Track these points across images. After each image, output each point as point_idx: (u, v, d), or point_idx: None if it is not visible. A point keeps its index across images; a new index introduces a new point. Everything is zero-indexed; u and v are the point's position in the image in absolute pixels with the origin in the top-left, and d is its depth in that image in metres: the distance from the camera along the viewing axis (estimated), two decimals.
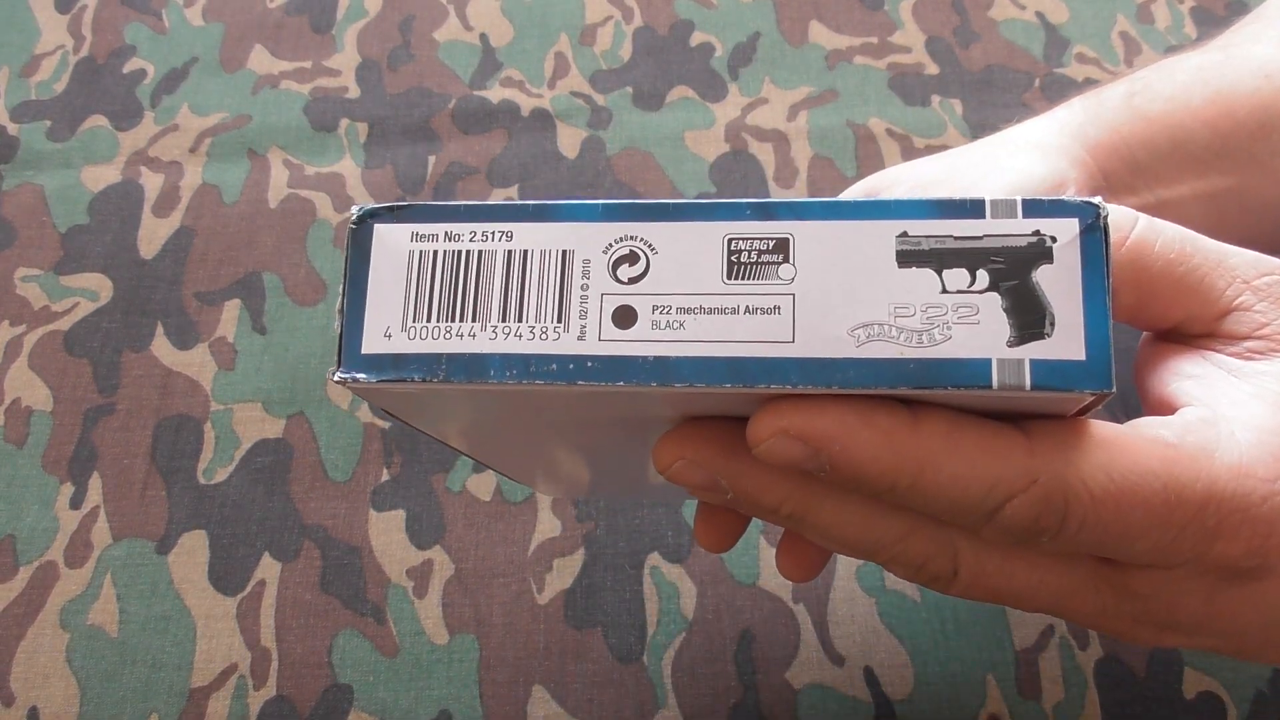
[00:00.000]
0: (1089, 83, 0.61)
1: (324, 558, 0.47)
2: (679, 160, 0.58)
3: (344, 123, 0.60)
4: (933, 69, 0.62)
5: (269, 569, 0.46)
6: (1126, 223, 0.24)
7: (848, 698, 0.43)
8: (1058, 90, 0.61)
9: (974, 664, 0.44)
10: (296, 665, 0.44)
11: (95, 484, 0.49)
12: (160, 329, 0.53)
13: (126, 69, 0.63)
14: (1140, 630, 0.25)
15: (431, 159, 0.59)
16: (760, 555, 0.46)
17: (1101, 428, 0.22)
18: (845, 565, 0.46)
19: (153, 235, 0.56)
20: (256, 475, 0.49)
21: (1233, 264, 0.24)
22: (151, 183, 0.58)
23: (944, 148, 0.59)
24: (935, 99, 0.61)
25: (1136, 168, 0.36)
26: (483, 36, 0.64)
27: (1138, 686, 0.43)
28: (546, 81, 0.62)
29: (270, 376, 0.51)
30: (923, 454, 0.21)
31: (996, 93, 0.61)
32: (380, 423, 0.50)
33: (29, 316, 0.54)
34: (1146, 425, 0.23)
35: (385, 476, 0.49)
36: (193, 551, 0.47)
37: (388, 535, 0.47)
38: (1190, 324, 0.25)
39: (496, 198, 0.57)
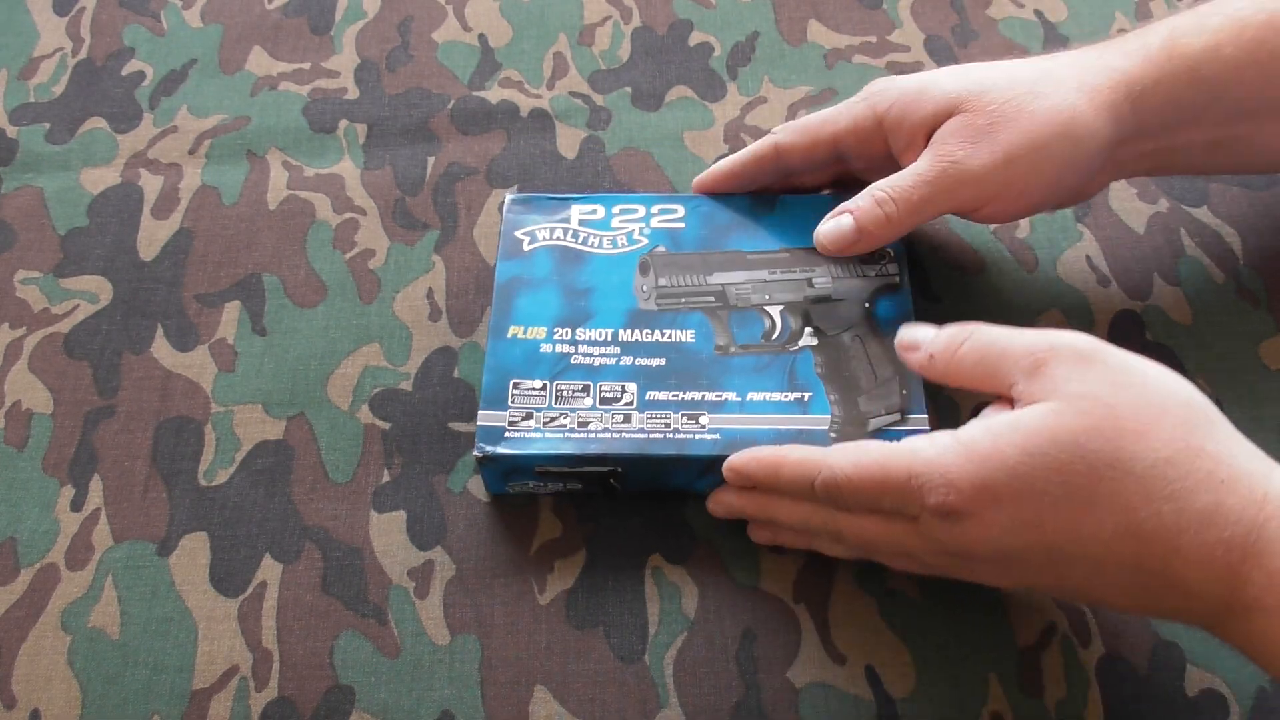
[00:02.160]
0: None
1: (325, 559, 0.47)
2: (678, 160, 0.58)
3: (343, 124, 0.60)
4: (932, 67, 0.62)
5: (270, 570, 0.46)
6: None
7: (849, 696, 0.43)
8: None
9: (976, 662, 0.44)
10: (298, 666, 0.44)
11: (96, 486, 0.49)
12: (160, 331, 0.53)
13: (125, 71, 0.63)
14: (944, 561, 0.39)
15: (430, 160, 0.59)
16: (760, 556, 0.46)
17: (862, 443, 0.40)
18: (846, 566, 0.46)
19: (152, 237, 0.56)
20: (257, 477, 0.49)
21: (1013, 356, 0.38)
22: (151, 185, 0.58)
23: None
24: None
25: (1166, 122, 0.46)
26: (481, 37, 0.64)
27: (1140, 684, 0.43)
28: (545, 82, 0.62)
29: (271, 378, 0.51)
30: (776, 468, 0.42)
31: None
32: (381, 424, 0.50)
33: (29, 319, 0.54)
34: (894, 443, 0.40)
35: (386, 477, 0.49)
36: (194, 553, 0.47)
37: (389, 536, 0.47)
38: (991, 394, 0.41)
39: (496, 198, 0.57)
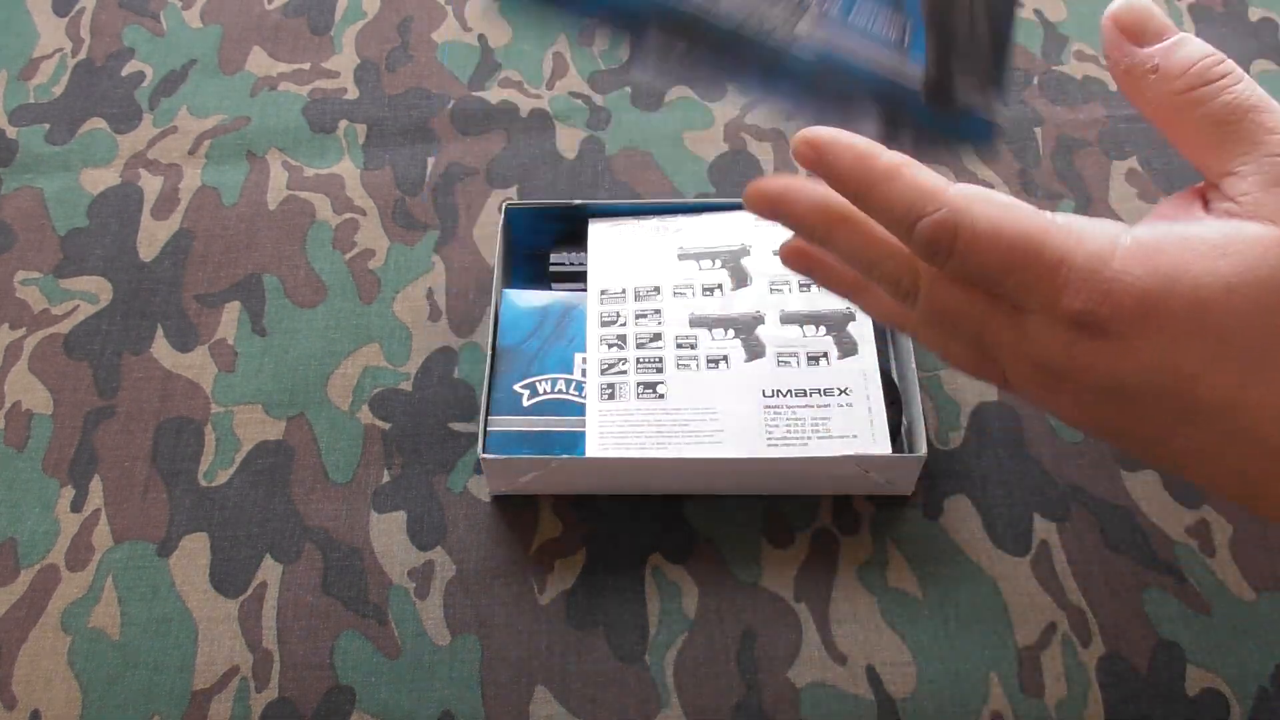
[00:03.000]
0: (1088, 80, 0.61)
1: (325, 559, 0.47)
2: (678, 160, 0.58)
3: (343, 124, 0.60)
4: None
5: (270, 571, 0.46)
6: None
7: (850, 696, 0.43)
8: (1056, 88, 0.61)
9: (976, 661, 0.44)
10: (298, 667, 0.44)
11: (96, 487, 0.49)
12: (160, 331, 0.53)
13: (125, 71, 0.63)
14: (1025, 368, 0.31)
15: (430, 160, 0.59)
16: (761, 555, 0.46)
17: (1015, 204, 0.30)
18: (846, 564, 0.46)
19: (152, 238, 0.56)
20: (257, 477, 0.49)
21: (1269, 129, 0.29)
22: (151, 185, 0.58)
23: None
24: None
25: None
26: (481, 37, 0.64)
27: (1140, 683, 0.43)
28: (545, 82, 0.61)
29: (271, 378, 0.51)
30: (876, 175, 0.30)
31: None
32: (381, 424, 0.50)
33: (29, 320, 0.54)
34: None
35: (386, 478, 0.49)
36: (194, 554, 0.47)
37: (389, 536, 0.47)
38: (1208, 172, 0.30)
39: (496, 198, 0.57)
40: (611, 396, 0.46)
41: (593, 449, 0.45)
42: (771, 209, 0.34)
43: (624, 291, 0.49)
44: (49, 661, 0.45)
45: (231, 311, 0.54)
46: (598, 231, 0.51)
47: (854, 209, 0.33)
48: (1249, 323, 0.27)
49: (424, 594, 0.46)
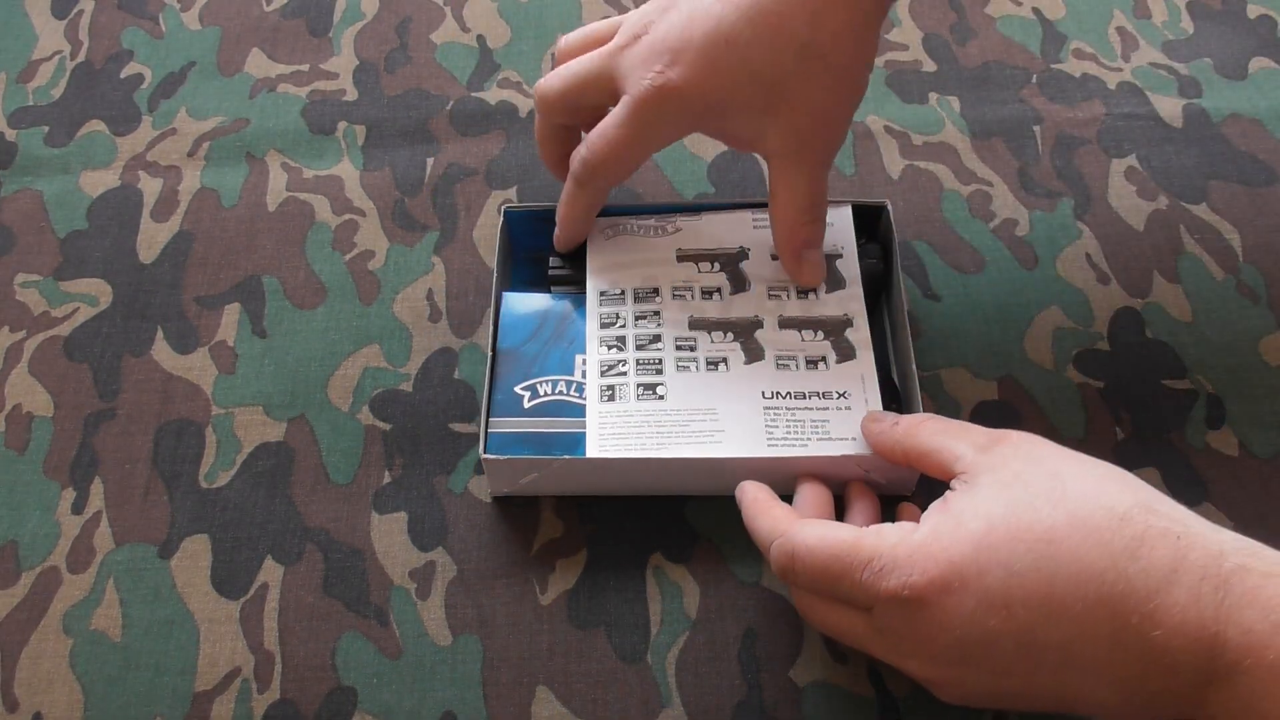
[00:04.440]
0: (1086, 78, 0.61)
1: (326, 560, 0.47)
2: (678, 160, 0.58)
3: (342, 125, 0.60)
4: (930, 66, 0.62)
5: (271, 572, 0.46)
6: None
7: (852, 695, 0.43)
8: (1055, 86, 0.61)
9: None
10: (300, 668, 0.44)
11: (97, 489, 0.49)
12: (160, 333, 0.53)
13: (124, 74, 0.63)
14: (894, 657, 0.38)
15: (430, 161, 0.59)
16: (762, 555, 0.46)
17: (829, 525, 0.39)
18: None
19: (152, 240, 0.56)
20: (258, 479, 0.49)
21: (974, 432, 0.39)
22: (150, 187, 0.58)
23: (941, 144, 0.59)
24: (933, 96, 0.61)
25: None
26: (479, 38, 0.64)
27: None
28: None
29: (271, 380, 0.51)
30: (749, 515, 0.42)
31: (994, 89, 0.61)
32: (381, 425, 0.50)
33: (29, 322, 0.54)
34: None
35: (387, 479, 0.49)
36: (195, 555, 0.47)
37: (390, 537, 0.47)
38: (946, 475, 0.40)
39: (495, 199, 0.57)
40: (611, 398, 0.46)
41: (593, 450, 0.45)
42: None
43: (623, 293, 0.49)
44: (50, 664, 0.45)
45: (232, 313, 0.54)
46: (597, 232, 0.51)
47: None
48: (1013, 542, 0.34)
49: (425, 595, 0.46)
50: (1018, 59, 0.62)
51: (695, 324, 0.48)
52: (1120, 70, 0.61)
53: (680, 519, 0.47)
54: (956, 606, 0.34)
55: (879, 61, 0.62)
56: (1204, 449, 0.48)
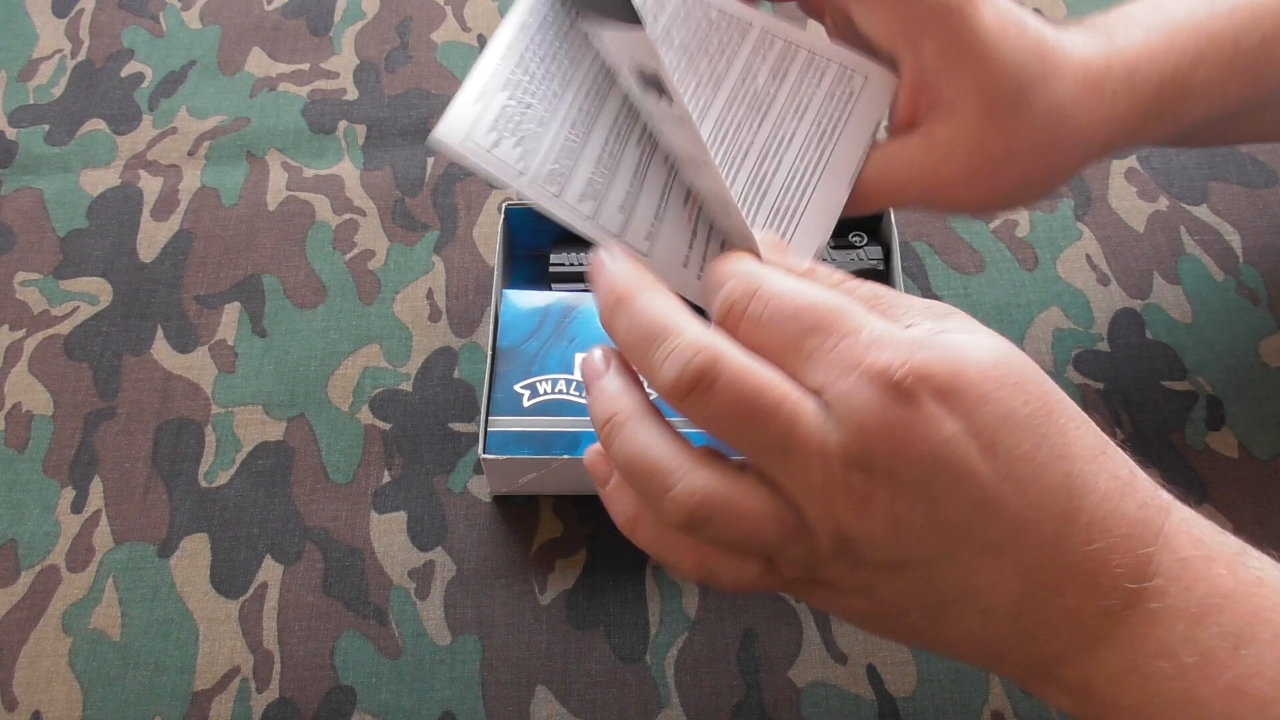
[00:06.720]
0: None
1: (326, 560, 0.47)
2: None
3: (342, 125, 0.60)
4: None
5: (271, 572, 0.46)
6: None
7: (851, 695, 0.43)
8: None
9: None
10: (299, 668, 0.44)
11: (96, 488, 0.49)
12: (160, 332, 0.53)
13: (124, 72, 0.63)
14: (790, 516, 0.30)
15: (430, 160, 0.59)
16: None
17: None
18: None
19: (152, 239, 0.56)
20: (258, 478, 0.49)
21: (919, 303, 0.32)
22: (150, 186, 0.58)
23: None
24: None
25: (1165, 111, 0.41)
26: (480, 37, 0.64)
27: None
28: None
29: (271, 379, 0.51)
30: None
31: None
32: (381, 425, 0.50)
33: (29, 321, 0.54)
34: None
35: (386, 478, 0.49)
36: (194, 555, 0.47)
37: (389, 537, 0.47)
38: None
39: (495, 198, 0.57)
40: None
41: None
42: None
43: None
44: (50, 662, 0.45)
45: (231, 312, 0.54)
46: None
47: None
48: (1016, 391, 0.29)
49: (424, 594, 0.46)
50: None
51: None
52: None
53: None
54: (940, 420, 0.28)
55: None
56: (1204, 450, 0.48)
